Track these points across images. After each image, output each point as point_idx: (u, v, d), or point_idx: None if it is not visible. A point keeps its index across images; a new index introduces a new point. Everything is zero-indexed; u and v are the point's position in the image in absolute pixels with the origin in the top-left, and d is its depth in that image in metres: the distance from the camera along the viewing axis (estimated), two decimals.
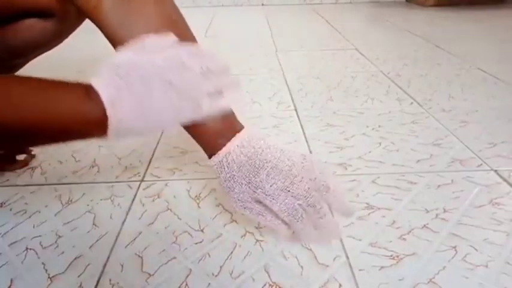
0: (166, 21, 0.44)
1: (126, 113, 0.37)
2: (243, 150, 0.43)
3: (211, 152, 0.45)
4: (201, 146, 0.46)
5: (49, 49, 0.59)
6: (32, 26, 0.52)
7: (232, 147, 0.43)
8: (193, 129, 0.45)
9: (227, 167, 0.43)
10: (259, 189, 0.43)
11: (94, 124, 0.36)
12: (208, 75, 0.40)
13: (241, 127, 0.45)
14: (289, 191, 0.43)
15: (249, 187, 0.43)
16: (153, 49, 0.39)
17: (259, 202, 0.44)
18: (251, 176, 0.43)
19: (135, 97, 0.37)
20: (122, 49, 0.39)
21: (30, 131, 0.35)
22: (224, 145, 0.43)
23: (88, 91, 0.36)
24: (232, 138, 0.44)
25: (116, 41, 0.44)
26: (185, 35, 0.46)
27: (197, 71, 0.39)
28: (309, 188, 0.43)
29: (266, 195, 0.43)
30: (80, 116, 0.36)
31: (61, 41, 0.59)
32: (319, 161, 0.46)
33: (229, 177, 0.43)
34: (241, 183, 0.43)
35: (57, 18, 0.53)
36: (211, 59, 0.41)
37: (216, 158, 0.44)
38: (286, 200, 0.43)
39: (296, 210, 0.42)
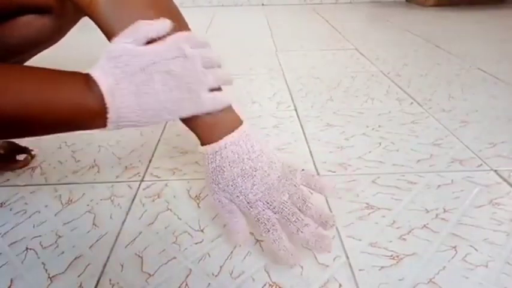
0: (163, 15, 0.44)
1: (125, 103, 0.36)
2: (238, 149, 0.42)
3: (205, 140, 0.43)
4: (193, 132, 0.44)
5: (47, 47, 0.58)
6: (29, 23, 0.52)
7: (229, 142, 0.42)
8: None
9: (219, 161, 0.42)
10: (242, 196, 0.42)
11: (93, 114, 0.36)
12: (209, 67, 0.40)
13: (240, 122, 0.44)
14: (267, 202, 0.42)
15: (234, 189, 0.42)
16: (152, 36, 0.38)
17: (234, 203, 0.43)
18: (239, 179, 0.42)
19: (134, 87, 0.36)
20: (119, 37, 0.38)
21: (28, 120, 0.35)
22: (221, 138, 0.42)
23: (87, 81, 0.36)
24: (230, 134, 0.42)
25: (111, 36, 0.43)
26: (182, 29, 0.45)
27: (198, 62, 0.39)
28: (285, 201, 0.42)
29: (247, 202, 0.42)
30: (79, 106, 0.36)
31: (59, 38, 0.58)
32: (305, 174, 0.44)
33: (219, 171, 0.42)
34: (228, 184, 0.42)
35: (55, 14, 0.52)
36: (211, 49, 0.40)
37: (209, 149, 0.42)
38: (263, 211, 0.42)
39: (268, 221, 0.42)
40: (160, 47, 0.38)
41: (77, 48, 1.42)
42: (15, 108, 0.33)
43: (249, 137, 0.43)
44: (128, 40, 0.37)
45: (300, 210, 0.42)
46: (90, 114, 0.36)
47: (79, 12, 0.55)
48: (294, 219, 0.41)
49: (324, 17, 2.04)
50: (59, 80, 0.36)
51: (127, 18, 0.41)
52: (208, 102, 0.40)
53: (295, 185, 0.43)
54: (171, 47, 0.38)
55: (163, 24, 0.39)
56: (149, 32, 0.38)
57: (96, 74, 0.36)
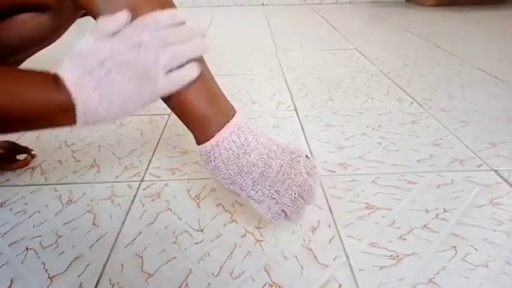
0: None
1: (89, 98, 0.37)
2: (232, 145, 0.41)
3: (199, 138, 0.43)
4: (188, 128, 0.43)
5: (46, 45, 0.58)
6: (27, 21, 0.52)
7: (221, 139, 0.41)
8: (181, 110, 0.42)
9: (213, 161, 0.42)
10: (244, 193, 0.42)
11: (61, 110, 0.37)
12: (167, 48, 0.39)
13: (233, 112, 0.43)
14: (274, 198, 0.42)
15: (234, 186, 0.42)
16: (112, 30, 0.38)
17: None
18: (236, 177, 0.41)
19: (95, 82, 0.37)
20: (83, 36, 0.38)
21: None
22: (213, 135, 0.41)
23: (55, 79, 0.37)
24: (222, 129, 0.41)
25: None
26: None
27: (151, 46, 0.38)
28: (295, 197, 0.42)
29: (251, 199, 0.42)
30: (47, 102, 0.37)
31: (58, 36, 0.58)
32: (307, 160, 0.45)
33: (216, 171, 0.42)
34: (227, 182, 0.42)
35: (53, 11, 0.52)
36: (178, 27, 0.39)
37: (202, 148, 0.42)
38: (271, 206, 0.42)
39: (279, 215, 0.43)
40: (116, 40, 0.38)
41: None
42: None
43: (242, 129, 0.42)
44: (90, 37, 0.38)
45: (305, 201, 0.44)
46: (58, 109, 0.37)
47: (77, 9, 0.55)
48: (297, 217, 0.44)
49: (324, 17, 2.04)
50: (28, 78, 0.38)
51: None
52: (164, 85, 0.39)
53: (301, 174, 0.43)
54: (127, 37, 0.38)
55: (122, 16, 0.38)
56: (109, 26, 0.38)
57: (62, 72, 0.38)
